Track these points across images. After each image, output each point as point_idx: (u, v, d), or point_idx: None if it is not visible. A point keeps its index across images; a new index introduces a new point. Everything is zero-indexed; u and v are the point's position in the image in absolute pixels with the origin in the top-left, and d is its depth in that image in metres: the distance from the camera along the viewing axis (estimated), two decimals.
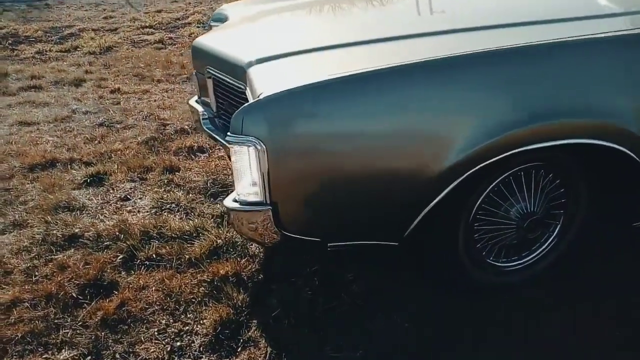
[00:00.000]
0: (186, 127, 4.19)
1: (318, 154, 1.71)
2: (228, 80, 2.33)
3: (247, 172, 1.73)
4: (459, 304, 2.17)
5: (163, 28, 8.32)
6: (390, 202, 1.82)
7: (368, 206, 1.82)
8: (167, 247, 2.59)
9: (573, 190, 2.16)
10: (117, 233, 2.72)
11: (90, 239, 2.71)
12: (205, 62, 2.54)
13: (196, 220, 2.85)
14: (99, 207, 3.06)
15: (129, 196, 3.19)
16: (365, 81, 1.70)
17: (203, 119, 2.63)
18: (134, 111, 4.63)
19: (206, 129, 2.62)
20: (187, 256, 2.52)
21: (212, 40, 2.62)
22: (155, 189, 3.23)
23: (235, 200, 1.83)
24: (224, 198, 3.09)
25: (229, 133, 1.72)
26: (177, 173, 3.44)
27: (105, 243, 2.66)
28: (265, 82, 1.93)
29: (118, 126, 4.31)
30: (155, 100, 4.96)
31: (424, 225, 1.91)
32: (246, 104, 1.74)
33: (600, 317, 2.10)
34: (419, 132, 1.74)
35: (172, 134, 4.08)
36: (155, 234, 2.72)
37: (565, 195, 2.17)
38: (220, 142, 2.51)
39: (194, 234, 2.72)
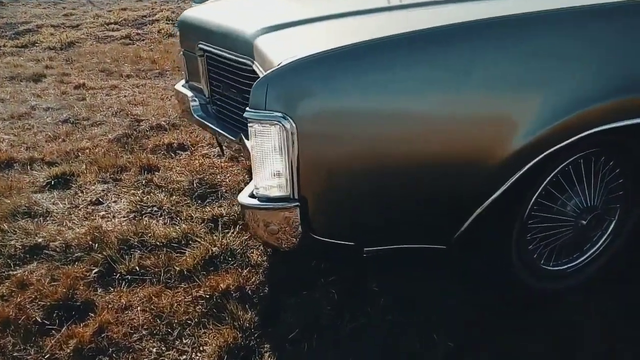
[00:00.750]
0: (162, 123, 3.76)
1: (359, 137, 1.35)
2: (227, 56, 1.95)
3: (270, 159, 1.35)
4: (509, 316, 1.84)
5: (129, 25, 7.81)
6: (443, 197, 1.48)
7: (416, 202, 1.47)
8: (152, 258, 2.17)
9: (632, 181, 1.87)
10: (90, 242, 2.28)
11: (57, 249, 2.26)
12: (196, 38, 2.15)
13: (184, 226, 2.44)
14: (66, 213, 2.60)
15: (101, 199, 2.74)
16: (418, 44, 1.35)
17: (193, 105, 2.24)
18: (102, 107, 4.16)
19: (197, 117, 2.23)
20: (178, 268, 2.11)
21: (205, 13, 2.23)
22: (132, 191, 2.80)
23: (252, 196, 1.44)
24: (213, 200, 2.71)
25: (247, 109, 1.34)
26: (156, 173, 3.01)
27: (76, 254, 2.22)
28: (282, 51, 1.56)
29: (85, 123, 3.83)
30: (125, 96, 4.50)
31: (477, 224, 1.57)
32: (271, 71, 1.36)
33: None
34: (481, 108, 1.41)
35: (147, 131, 3.64)
36: (136, 243, 2.29)
37: (624, 186, 1.88)
38: (215, 131, 2.12)
39: (183, 242, 2.31)
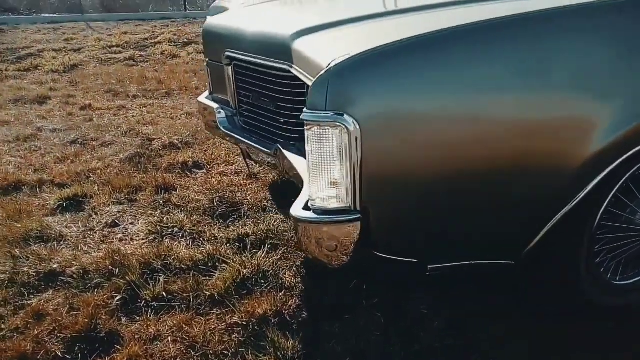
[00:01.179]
0: (175, 141, 3.62)
1: (429, 139, 1.22)
2: (259, 62, 1.82)
3: (330, 166, 1.20)
4: (576, 335, 1.68)
5: (132, 47, 7.74)
6: (519, 205, 1.33)
7: (489, 211, 1.32)
8: (179, 282, 2.01)
9: None
10: (110, 267, 2.12)
11: (74, 276, 2.09)
12: (223, 46, 2.02)
13: (208, 247, 2.28)
14: (81, 236, 2.44)
15: (117, 221, 2.58)
16: (499, 33, 1.21)
17: (219, 118, 2.10)
18: (110, 127, 4.03)
19: (223, 130, 2.09)
20: (208, 292, 1.94)
21: (232, 20, 2.11)
22: (150, 212, 2.64)
23: (307, 208, 1.29)
24: (236, 219, 2.55)
25: (305, 110, 1.20)
26: (173, 192, 2.86)
27: (95, 280, 2.05)
28: (332, 51, 1.42)
29: (94, 143, 3.69)
30: (133, 116, 4.37)
31: (550, 235, 1.42)
32: (331, 67, 1.21)
33: None
34: (563, 107, 1.27)
35: (159, 150, 3.50)
36: (159, 266, 2.13)
37: None
38: (245, 144, 1.98)
39: (210, 264, 2.15)
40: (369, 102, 1.17)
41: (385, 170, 1.21)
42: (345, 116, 1.14)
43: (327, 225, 1.25)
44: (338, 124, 1.15)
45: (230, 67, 2.04)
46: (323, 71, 1.20)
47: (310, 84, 1.49)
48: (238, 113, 2.09)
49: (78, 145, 3.64)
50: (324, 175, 1.22)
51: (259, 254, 2.20)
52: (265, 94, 1.86)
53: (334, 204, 1.24)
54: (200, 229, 2.47)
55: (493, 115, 1.22)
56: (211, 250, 2.23)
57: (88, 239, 2.42)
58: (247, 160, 2.45)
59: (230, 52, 1.98)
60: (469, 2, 1.64)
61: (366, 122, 1.16)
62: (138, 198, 2.81)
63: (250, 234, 2.37)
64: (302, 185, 1.63)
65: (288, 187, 2.94)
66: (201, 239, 2.39)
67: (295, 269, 2.12)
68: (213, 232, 2.43)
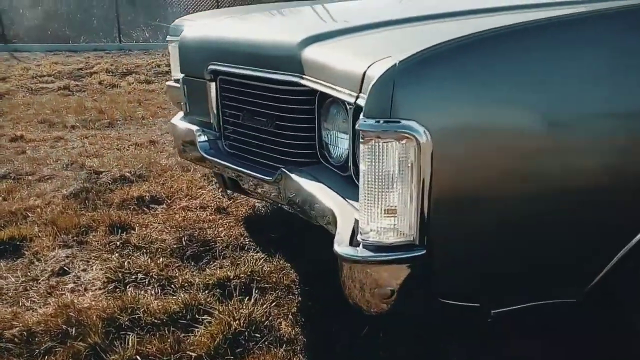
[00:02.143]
0: (127, 174, 3.21)
1: (511, 154, 0.99)
2: (257, 75, 1.55)
3: (389, 189, 0.95)
4: None
5: (65, 77, 7.17)
6: (594, 229, 1.12)
7: (564, 238, 1.10)
8: (155, 342, 1.64)
9: None
10: (63, 326, 1.71)
11: (17, 339, 1.67)
12: (206, 59, 1.73)
13: (183, 295, 1.92)
14: (20, 289, 2.00)
15: (66, 268, 2.16)
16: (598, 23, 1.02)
17: (200, 141, 1.79)
18: (48, 160, 3.55)
19: (205, 155, 1.78)
20: (193, 354, 1.59)
21: (217, 30, 1.83)
22: (105, 255, 2.25)
23: (355, 245, 1.01)
24: (210, 260, 2.21)
25: (362, 119, 0.94)
26: (132, 232, 2.47)
27: (45, 345, 1.64)
28: (363, 55, 1.19)
29: (29, 178, 3.21)
30: (74, 148, 3.91)
31: (618, 266, 1.23)
32: (400, 62, 0.96)
33: None
34: None
35: (109, 184, 3.09)
36: (126, 322, 1.75)
37: None
38: (231, 169, 1.69)
39: (189, 316, 1.80)
40: (446, 107, 0.93)
41: (460, 193, 0.97)
42: (415, 124, 0.90)
43: (384, 265, 0.98)
44: (406, 134, 0.90)
45: (213, 84, 1.75)
46: (383, 71, 0.95)
47: (334, 94, 1.25)
48: (222, 136, 1.80)
49: (10, 181, 3.15)
50: (382, 201, 0.96)
51: (246, 301, 1.87)
52: (263, 112, 1.59)
53: (391, 238, 0.98)
54: (169, 273, 2.11)
55: (591, 120, 1.02)
56: (187, 300, 1.88)
57: (31, 291, 1.99)
58: (227, 191, 2.13)
59: (215, 65, 1.69)
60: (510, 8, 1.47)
61: (440, 131, 0.92)
62: (89, 240, 2.40)
63: (231, 277, 2.03)
64: (317, 218, 1.36)
65: (266, 221, 2.64)
66: (172, 285, 2.02)
67: (292, 317, 1.82)
68: (185, 276, 2.07)
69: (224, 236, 2.42)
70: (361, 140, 0.96)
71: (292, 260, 2.19)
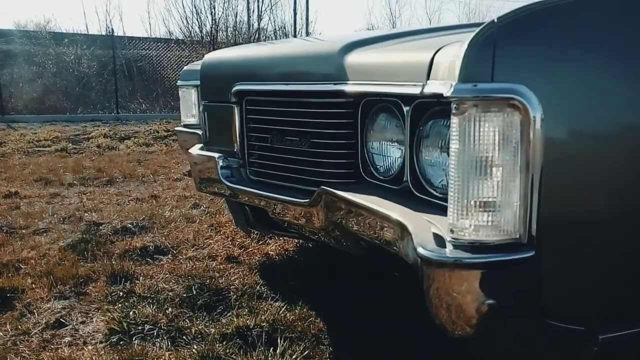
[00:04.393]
0: (129, 225, 3.01)
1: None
2: (291, 90, 1.43)
3: (489, 172, 0.78)
4: None
5: (63, 140, 7.09)
6: None
7: None
8: None
9: None
10: None
11: None
12: (231, 81, 1.61)
13: (198, 347, 1.68)
14: (9, 343, 1.75)
15: (62, 320, 1.92)
16: None
17: (222, 168, 1.63)
18: (43, 215, 3.35)
19: (227, 183, 1.61)
20: None
21: (244, 50, 1.73)
22: (107, 306, 2.01)
23: (441, 245, 0.83)
24: (225, 309, 1.97)
25: (453, 86, 0.80)
26: (136, 281, 2.24)
27: None
28: (412, 50, 1.06)
29: (23, 232, 2.99)
30: (71, 204, 3.71)
31: None
32: (499, 18, 0.82)
33: None
34: None
35: (110, 235, 2.87)
36: None
37: None
38: (259, 196, 1.52)
39: None
40: (559, 73, 0.78)
41: (578, 178, 0.80)
42: (525, 89, 0.75)
43: (482, 269, 0.79)
44: (514, 100, 0.75)
45: (238, 107, 1.62)
46: (482, 28, 0.81)
47: (389, 90, 1.12)
48: (246, 163, 1.64)
49: (2, 234, 2.93)
50: (479, 189, 0.79)
51: (272, 351, 1.63)
52: (296, 131, 1.44)
53: (490, 236, 0.80)
54: (180, 324, 1.87)
55: None
56: (204, 351, 1.64)
57: (21, 345, 1.74)
58: (248, 227, 1.95)
59: (242, 85, 1.57)
60: None
61: (554, 100, 0.77)
62: (88, 290, 2.17)
63: (251, 326, 1.80)
64: (372, 237, 1.17)
65: (281, 268, 2.43)
66: (184, 337, 1.78)
67: None
68: (199, 327, 1.84)
69: (238, 284, 2.20)
70: (454, 111, 0.80)
71: (316, 309, 1.97)
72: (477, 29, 0.80)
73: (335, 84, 1.30)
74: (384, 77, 1.13)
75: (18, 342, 1.76)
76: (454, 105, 0.80)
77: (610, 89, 0.84)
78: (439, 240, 0.85)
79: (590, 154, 0.82)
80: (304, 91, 1.39)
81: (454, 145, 0.82)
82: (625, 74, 0.86)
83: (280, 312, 1.92)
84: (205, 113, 1.77)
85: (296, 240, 2.66)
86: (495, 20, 0.81)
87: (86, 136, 7.63)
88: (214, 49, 12.98)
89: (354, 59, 1.27)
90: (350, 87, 1.25)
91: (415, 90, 1.00)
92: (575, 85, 0.82)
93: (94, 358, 1.63)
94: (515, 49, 0.80)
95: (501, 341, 0.86)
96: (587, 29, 0.84)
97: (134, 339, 1.76)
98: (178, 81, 2.59)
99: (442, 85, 0.86)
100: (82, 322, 1.91)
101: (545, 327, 0.85)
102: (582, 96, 0.82)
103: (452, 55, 0.86)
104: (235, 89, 1.60)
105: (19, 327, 1.86)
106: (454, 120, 0.81)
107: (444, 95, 0.82)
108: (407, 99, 1.10)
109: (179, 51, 13.78)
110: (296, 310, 1.94)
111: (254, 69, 1.56)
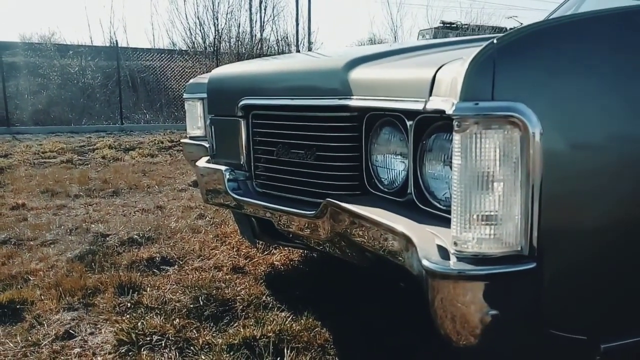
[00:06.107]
0: (135, 237, 3.04)
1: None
2: (296, 104, 1.46)
3: (490, 186, 0.81)
4: None
5: (68, 151, 7.16)
6: None
7: None
8: None
9: None
10: None
11: None
12: (237, 95, 1.65)
13: (206, 357, 1.71)
14: (20, 355, 1.78)
15: (72, 331, 1.94)
16: None
17: (228, 180, 1.66)
18: (51, 226, 3.38)
19: (234, 195, 1.64)
20: None
21: (250, 65, 1.76)
22: (115, 317, 2.03)
23: (445, 257, 0.86)
24: (231, 320, 1.99)
25: (455, 104, 0.83)
26: (143, 292, 2.26)
27: None
28: (417, 66, 1.10)
29: (31, 243, 3.02)
30: (77, 215, 3.75)
31: None
32: (499, 40, 0.86)
33: None
34: None
35: (116, 246, 2.91)
36: None
37: None
38: (265, 208, 1.55)
39: None
40: (556, 91, 0.82)
41: (578, 193, 0.83)
42: (524, 107, 0.78)
43: (484, 281, 0.82)
44: (513, 118, 0.79)
45: (245, 120, 1.66)
46: (482, 48, 0.84)
47: (392, 106, 1.15)
48: (253, 175, 1.67)
49: (10, 246, 2.97)
50: (481, 203, 0.82)
51: None
52: (301, 144, 1.47)
53: (492, 248, 0.83)
54: (187, 334, 1.89)
55: None
56: None
57: (31, 357, 1.76)
58: (255, 239, 1.97)
59: (249, 99, 1.61)
60: None
61: (552, 116, 0.80)
62: (96, 302, 2.19)
63: (258, 336, 1.82)
64: (376, 248, 1.20)
65: (286, 279, 2.45)
66: (192, 347, 1.81)
67: None
68: (206, 338, 1.86)
69: (244, 295, 2.22)
70: (456, 128, 0.83)
71: (322, 318, 1.99)
72: (477, 50, 0.83)
73: (340, 98, 1.33)
74: (387, 92, 1.16)
75: (28, 354, 1.79)
76: (456, 123, 0.84)
77: (607, 104, 0.87)
78: (443, 252, 0.88)
79: (589, 167, 0.85)
80: (310, 106, 1.42)
81: (456, 161, 0.85)
82: (622, 91, 0.89)
83: (287, 322, 1.94)
84: (213, 127, 1.80)
85: (301, 251, 2.68)
86: (495, 41, 0.84)
87: (91, 147, 7.69)
88: (217, 60, 13.10)
89: (358, 74, 1.30)
90: (354, 102, 1.29)
91: (418, 106, 1.03)
92: (573, 102, 0.85)
93: None
94: (514, 69, 0.83)
95: (504, 351, 0.88)
96: (583, 48, 0.87)
97: (142, 349, 1.79)
98: (184, 94, 2.63)
99: (444, 102, 0.89)
100: (91, 333, 1.94)
101: (547, 337, 0.88)
102: (579, 112, 0.85)
103: (453, 72, 0.90)
104: (241, 103, 1.64)
105: (29, 338, 1.88)
106: (456, 137, 0.84)
107: (446, 112, 0.86)
108: (411, 113, 1.13)
109: (182, 62, 13.91)
110: (302, 320, 1.96)
111: (260, 84, 1.60)
